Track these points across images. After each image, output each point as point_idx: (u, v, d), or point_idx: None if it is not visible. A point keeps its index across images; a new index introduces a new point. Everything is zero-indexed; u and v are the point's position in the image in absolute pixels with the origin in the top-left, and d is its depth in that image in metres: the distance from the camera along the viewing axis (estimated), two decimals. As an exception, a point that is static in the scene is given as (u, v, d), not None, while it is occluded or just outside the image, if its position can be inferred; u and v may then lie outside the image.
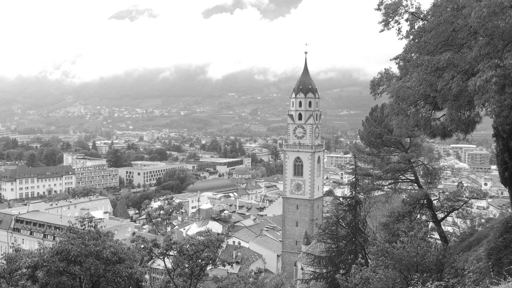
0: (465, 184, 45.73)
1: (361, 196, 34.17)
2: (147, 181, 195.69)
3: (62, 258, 17.60)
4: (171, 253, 22.75)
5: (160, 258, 23.01)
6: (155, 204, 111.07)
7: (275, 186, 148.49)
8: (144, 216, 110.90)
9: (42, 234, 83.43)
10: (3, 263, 18.51)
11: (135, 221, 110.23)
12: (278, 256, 64.82)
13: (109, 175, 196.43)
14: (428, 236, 20.51)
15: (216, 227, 74.17)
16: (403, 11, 14.32)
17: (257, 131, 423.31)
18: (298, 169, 61.29)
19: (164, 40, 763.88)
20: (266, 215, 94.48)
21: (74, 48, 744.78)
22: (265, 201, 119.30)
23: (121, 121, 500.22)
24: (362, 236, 32.24)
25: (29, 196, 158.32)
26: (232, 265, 24.38)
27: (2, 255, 21.99)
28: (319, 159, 62.67)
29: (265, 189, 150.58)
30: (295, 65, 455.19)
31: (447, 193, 34.39)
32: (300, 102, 61.18)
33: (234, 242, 69.24)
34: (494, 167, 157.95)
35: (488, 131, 30.50)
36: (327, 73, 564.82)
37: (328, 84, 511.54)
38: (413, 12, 14.37)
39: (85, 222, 19.45)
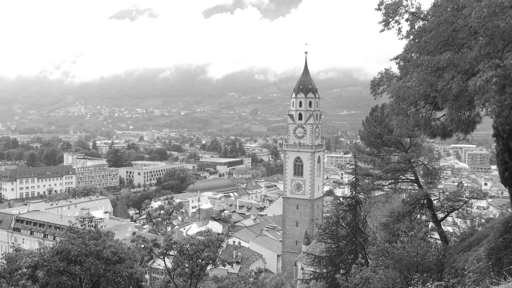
0: (465, 184, 45.53)
1: (361, 196, 34.17)
2: (147, 181, 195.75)
3: (63, 258, 17.58)
4: (171, 253, 22.72)
5: (160, 258, 22.97)
6: (155, 204, 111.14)
7: (275, 186, 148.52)
8: (144, 216, 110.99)
9: (43, 234, 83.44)
10: (3, 263, 18.46)
11: (135, 221, 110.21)
12: (278, 256, 64.83)
13: (109, 175, 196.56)
14: (428, 236, 20.49)
15: (216, 227, 74.18)
16: (403, 11, 14.30)
17: (257, 131, 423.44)
18: (298, 169, 61.30)
19: (164, 40, 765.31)
20: (266, 215, 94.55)
21: (74, 48, 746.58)
22: (265, 201, 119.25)
23: (121, 121, 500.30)
24: (362, 236, 32.25)
25: (29, 196, 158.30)
26: (232, 265, 24.33)
27: (2, 255, 21.99)
28: (319, 159, 62.68)
29: (265, 189, 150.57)
30: (295, 65, 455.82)
31: (447, 193, 34.27)
32: (300, 102, 61.18)
33: (234, 242, 69.25)
34: (494, 167, 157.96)
35: (488, 131, 30.47)
36: (327, 73, 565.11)
37: (328, 84, 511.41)
38: (413, 12, 14.35)
39: (85, 222, 19.40)
